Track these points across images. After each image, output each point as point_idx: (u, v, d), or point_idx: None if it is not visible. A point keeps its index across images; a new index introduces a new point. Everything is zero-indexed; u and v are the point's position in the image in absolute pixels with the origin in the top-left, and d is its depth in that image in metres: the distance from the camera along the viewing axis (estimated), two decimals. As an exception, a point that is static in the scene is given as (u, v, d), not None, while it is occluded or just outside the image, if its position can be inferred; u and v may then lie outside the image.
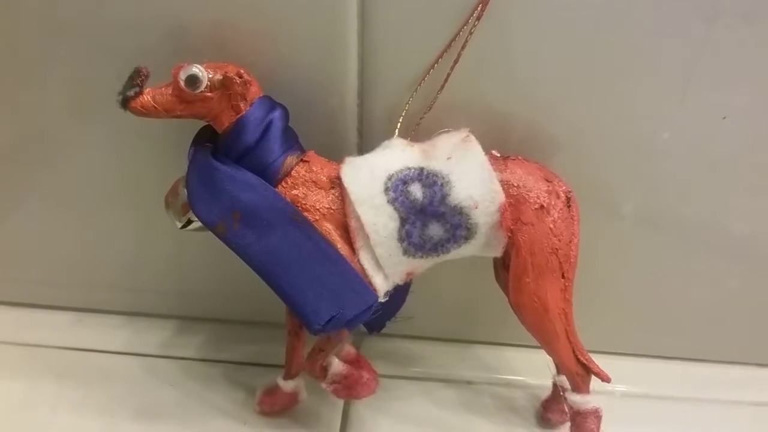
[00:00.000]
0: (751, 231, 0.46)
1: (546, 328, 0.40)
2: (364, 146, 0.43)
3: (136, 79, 0.36)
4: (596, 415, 0.42)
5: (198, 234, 0.40)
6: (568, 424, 0.43)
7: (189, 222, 0.40)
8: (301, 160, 0.38)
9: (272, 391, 0.46)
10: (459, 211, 0.36)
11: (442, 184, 0.36)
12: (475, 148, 0.37)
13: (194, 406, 0.47)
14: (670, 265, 0.48)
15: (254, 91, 0.37)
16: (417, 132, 0.41)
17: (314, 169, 0.38)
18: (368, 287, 0.37)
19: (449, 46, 0.39)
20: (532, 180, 0.38)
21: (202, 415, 0.47)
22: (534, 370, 0.48)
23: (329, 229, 0.37)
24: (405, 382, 0.50)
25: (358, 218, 0.37)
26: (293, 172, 0.38)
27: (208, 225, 0.37)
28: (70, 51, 0.42)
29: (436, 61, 0.40)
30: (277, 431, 0.46)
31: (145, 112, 0.36)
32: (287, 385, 0.45)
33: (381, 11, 0.39)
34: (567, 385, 0.42)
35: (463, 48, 0.39)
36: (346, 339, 0.43)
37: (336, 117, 0.43)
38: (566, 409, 0.43)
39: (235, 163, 0.37)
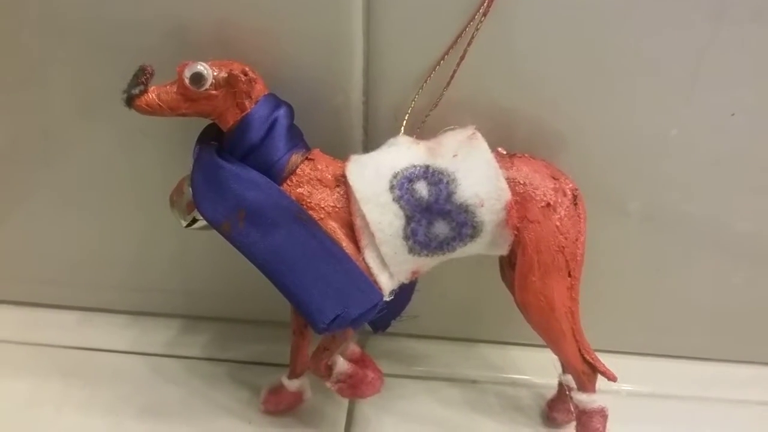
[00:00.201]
0: (757, 229, 0.45)
1: (552, 327, 0.39)
2: (370, 144, 0.43)
3: (141, 77, 0.36)
4: (602, 414, 0.42)
5: (203, 233, 0.40)
6: (574, 423, 0.43)
7: (194, 221, 0.40)
8: (306, 158, 0.38)
9: (277, 390, 0.46)
10: (465, 209, 0.36)
11: (447, 182, 0.36)
12: (481, 146, 0.37)
13: (199, 405, 0.47)
14: (677, 263, 0.47)
15: (259, 89, 0.37)
16: (423, 129, 0.41)
17: (319, 167, 0.38)
18: (373, 286, 0.37)
19: (455, 43, 0.39)
20: (538, 177, 0.38)
21: (207, 413, 0.47)
22: (539, 369, 0.48)
23: (334, 228, 0.37)
24: (410, 381, 0.50)
25: (363, 216, 0.37)
26: (298, 171, 0.38)
27: (212, 223, 0.37)
28: (74, 50, 0.42)
29: (442, 58, 0.39)
30: (281, 430, 0.46)
31: (150, 110, 0.36)
32: (292, 384, 0.45)
33: (386, 8, 0.39)
34: (573, 384, 0.42)
35: (468, 45, 0.39)
36: (351, 338, 0.43)
37: (341, 115, 0.43)
38: (572, 409, 0.43)
39: (240, 162, 0.37)
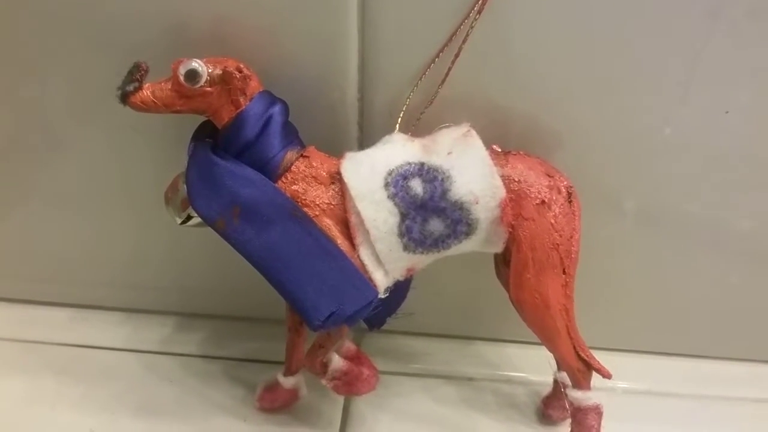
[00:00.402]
0: (754, 227, 0.45)
1: (547, 324, 0.39)
2: (365, 141, 0.43)
3: (136, 74, 0.36)
4: (597, 411, 0.42)
5: (198, 230, 0.40)
6: (569, 420, 0.43)
7: (189, 218, 0.40)
8: (301, 155, 0.38)
9: (272, 387, 0.46)
10: (459, 207, 0.36)
11: (442, 180, 0.36)
12: (476, 143, 0.37)
13: (194, 403, 0.47)
14: (672, 261, 0.47)
15: (254, 86, 0.37)
16: (418, 127, 0.41)
17: (314, 164, 0.38)
18: (368, 283, 0.37)
19: (450, 40, 0.39)
20: (533, 175, 0.38)
21: (203, 411, 0.47)
22: (535, 366, 0.48)
23: (329, 225, 0.37)
24: (405, 379, 0.50)
25: (358, 214, 0.37)
26: (293, 168, 0.38)
27: (207, 220, 0.37)
28: (69, 47, 0.42)
29: (437, 56, 0.39)
30: (277, 428, 0.46)
31: (145, 107, 0.36)
32: (287, 382, 0.45)
33: (382, 5, 0.39)
34: (568, 381, 0.42)
35: (464, 42, 0.39)
36: (347, 335, 0.42)
37: (336, 112, 0.43)
38: (567, 406, 0.43)
39: (235, 159, 0.37)
